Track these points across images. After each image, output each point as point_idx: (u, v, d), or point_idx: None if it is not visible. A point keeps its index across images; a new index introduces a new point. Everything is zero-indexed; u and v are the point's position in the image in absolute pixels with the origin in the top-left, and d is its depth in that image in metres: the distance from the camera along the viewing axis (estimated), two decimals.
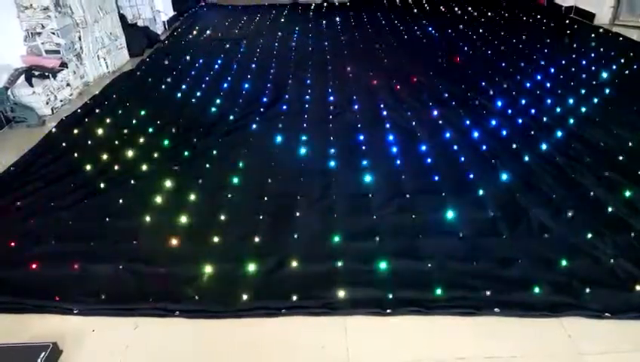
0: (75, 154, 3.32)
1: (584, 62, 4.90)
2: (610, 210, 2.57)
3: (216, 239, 2.42)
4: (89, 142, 3.50)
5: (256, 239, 2.42)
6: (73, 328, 1.98)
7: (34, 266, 2.25)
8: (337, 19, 7.24)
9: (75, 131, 3.69)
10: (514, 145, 3.28)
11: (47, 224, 2.57)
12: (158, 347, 1.91)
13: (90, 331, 1.97)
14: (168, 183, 2.90)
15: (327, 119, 3.81)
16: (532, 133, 3.47)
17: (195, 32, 6.71)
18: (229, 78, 4.80)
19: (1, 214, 2.67)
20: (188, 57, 5.52)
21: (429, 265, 2.22)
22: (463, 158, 3.14)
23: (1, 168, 3.19)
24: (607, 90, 4.14)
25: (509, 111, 3.85)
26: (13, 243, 2.41)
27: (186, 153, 3.30)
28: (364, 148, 3.31)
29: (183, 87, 4.57)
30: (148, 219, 2.58)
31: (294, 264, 2.24)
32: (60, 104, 4.27)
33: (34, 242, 2.43)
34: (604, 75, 4.49)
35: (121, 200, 2.75)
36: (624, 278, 2.13)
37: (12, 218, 2.64)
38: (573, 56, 5.12)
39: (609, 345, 1.88)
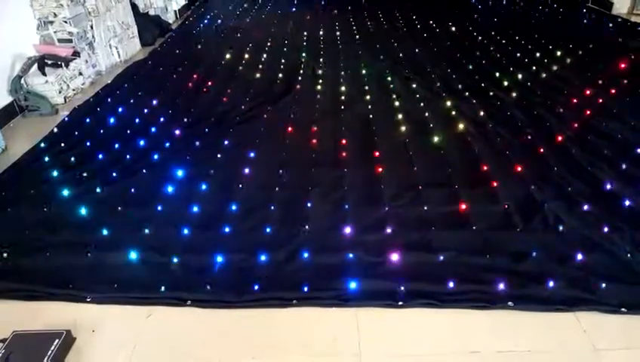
0: (88, 143, 3.33)
1: (601, 52, 4.80)
2: (627, 203, 2.53)
3: (227, 229, 2.42)
4: (101, 131, 3.51)
5: (268, 230, 2.41)
6: (86, 316, 1.99)
7: (48, 254, 2.26)
8: (349, 7, 7.17)
9: (88, 120, 3.70)
10: (529, 137, 3.23)
11: (60, 212, 2.58)
12: (170, 335, 1.92)
13: (106, 318, 1.98)
14: (180, 173, 2.90)
15: (339, 109, 3.78)
16: (548, 124, 3.42)
17: (206, 21, 6.68)
18: (240, 68, 4.78)
19: (15, 202, 2.69)
20: (199, 46, 5.50)
21: (442, 258, 2.20)
22: (476, 150, 3.10)
23: (15, 156, 3.21)
24: (625, 81, 4.06)
25: (524, 102, 3.80)
26: (27, 231, 2.43)
27: (197, 143, 3.30)
28: (376, 138, 3.28)
29: (195, 76, 4.56)
30: (160, 208, 2.59)
31: (306, 255, 2.23)
32: (72, 93, 4.28)
33: (48, 230, 2.44)
34: (622, 65, 4.40)
35: (133, 190, 2.76)
36: None
37: (26, 206, 2.65)
38: (591, 45, 5.02)
39: (625, 340, 1.85)
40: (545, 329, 1.89)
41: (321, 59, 4.96)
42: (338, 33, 5.94)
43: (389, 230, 2.37)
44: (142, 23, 5.77)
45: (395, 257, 2.19)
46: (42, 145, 3.35)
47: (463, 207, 2.53)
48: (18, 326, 1.87)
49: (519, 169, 2.84)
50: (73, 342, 1.87)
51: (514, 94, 3.92)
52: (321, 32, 6.02)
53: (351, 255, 2.22)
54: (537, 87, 4.07)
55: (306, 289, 2.05)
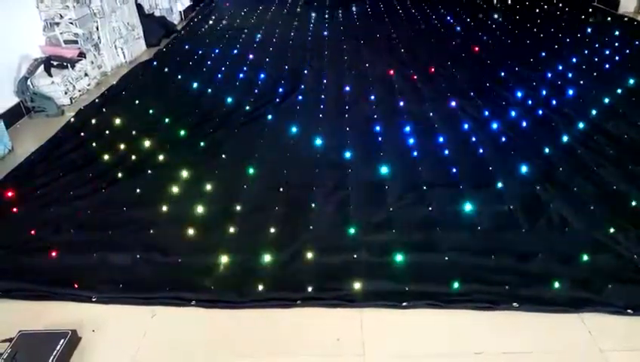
0: (94, 144, 3.34)
1: (607, 51, 4.78)
2: (633, 204, 2.51)
3: (232, 229, 2.42)
4: (107, 132, 3.52)
5: (272, 230, 2.41)
6: (91, 316, 2.00)
7: (53, 254, 2.28)
8: (354, 8, 7.16)
9: (93, 121, 3.71)
10: (534, 137, 3.21)
11: (65, 213, 2.59)
12: (174, 335, 1.92)
13: (110, 318, 1.99)
14: (185, 173, 2.91)
15: (343, 110, 3.78)
16: (553, 124, 3.40)
17: (211, 22, 6.70)
18: (245, 68, 4.78)
19: (21, 202, 2.70)
20: (204, 47, 5.51)
21: (447, 259, 2.19)
22: (481, 150, 3.08)
23: (22, 157, 3.23)
24: (632, 81, 4.03)
25: (529, 101, 3.78)
26: (32, 232, 2.44)
27: (202, 143, 3.30)
28: (380, 139, 3.28)
29: (199, 77, 4.57)
30: (164, 208, 2.59)
31: (310, 255, 2.23)
32: (78, 94, 4.30)
33: (53, 230, 2.45)
34: (629, 65, 4.37)
35: (138, 190, 2.77)
36: None
37: (32, 206, 2.67)
38: (596, 45, 4.99)
39: (631, 342, 1.84)
40: (550, 330, 1.88)
41: (325, 59, 4.96)
42: (342, 33, 5.93)
43: (393, 230, 2.37)
44: (147, 24, 5.78)
45: (399, 258, 2.19)
46: (48, 145, 3.36)
47: (468, 207, 2.52)
48: (23, 325, 1.88)
49: (524, 169, 2.83)
50: (79, 342, 1.88)
51: (519, 94, 3.90)
52: (326, 30, 6.02)
53: (355, 255, 2.22)
54: (542, 86, 4.05)
55: (309, 289, 2.05)
